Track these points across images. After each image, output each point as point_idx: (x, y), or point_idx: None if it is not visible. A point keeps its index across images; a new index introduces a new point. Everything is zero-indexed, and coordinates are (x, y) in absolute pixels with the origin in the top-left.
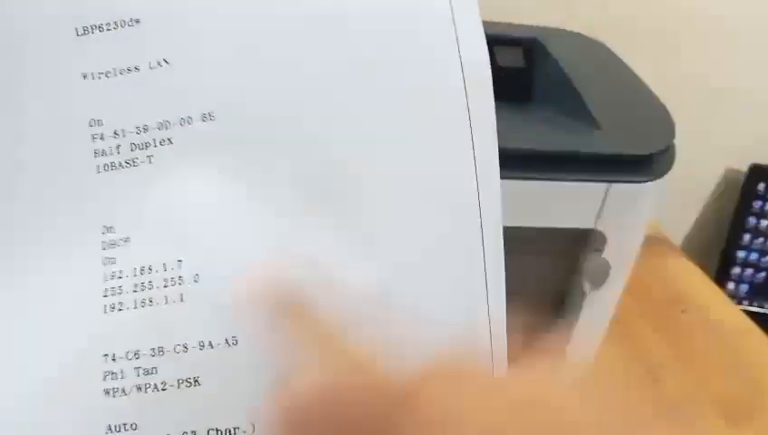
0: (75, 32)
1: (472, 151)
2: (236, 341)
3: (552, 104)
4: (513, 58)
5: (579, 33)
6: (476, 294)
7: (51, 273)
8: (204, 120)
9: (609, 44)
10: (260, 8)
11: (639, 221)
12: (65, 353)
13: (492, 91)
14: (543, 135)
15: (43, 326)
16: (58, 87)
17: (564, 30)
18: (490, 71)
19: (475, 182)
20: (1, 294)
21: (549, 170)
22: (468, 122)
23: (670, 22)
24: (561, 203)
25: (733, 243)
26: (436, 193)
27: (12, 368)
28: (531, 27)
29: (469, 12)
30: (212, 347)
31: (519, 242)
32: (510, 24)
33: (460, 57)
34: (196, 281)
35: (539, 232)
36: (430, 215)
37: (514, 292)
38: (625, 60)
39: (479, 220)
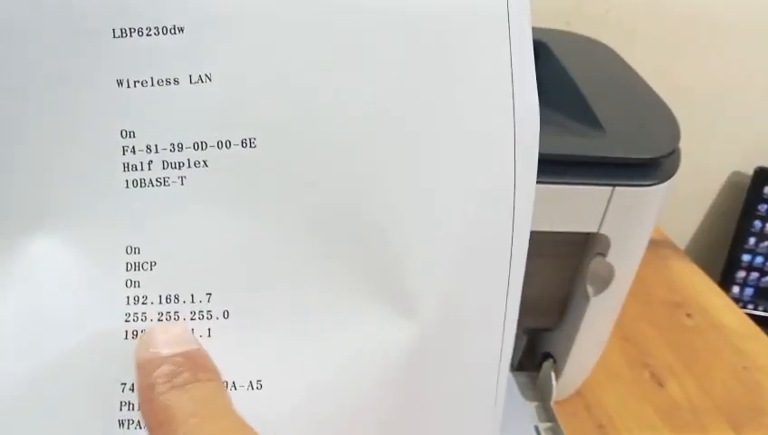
0: (112, 33)
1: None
2: (261, 385)
3: (556, 107)
4: None
5: (583, 36)
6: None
7: (69, 290)
8: (243, 146)
9: (613, 47)
10: (316, 30)
11: (644, 225)
12: (82, 377)
13: (537, 155)
14: (547, 138)
15: (58, 348)
16: (90, 90)
17: (569, 32)
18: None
19: (510, 244)
20: (16, 309)
21: (553, 174)
22: (513, 184)
23: (675, 24)
24: (565, 206)
25: (738, 246)
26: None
27: (23, 393)
28: (535, 29)
29: (526, 60)
30: (235, 389)
31: None
32: None
33: (514, 108)
34: (225, 317)
35: (543, 235)
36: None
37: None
38: (630, 63)
39: (507, 277)
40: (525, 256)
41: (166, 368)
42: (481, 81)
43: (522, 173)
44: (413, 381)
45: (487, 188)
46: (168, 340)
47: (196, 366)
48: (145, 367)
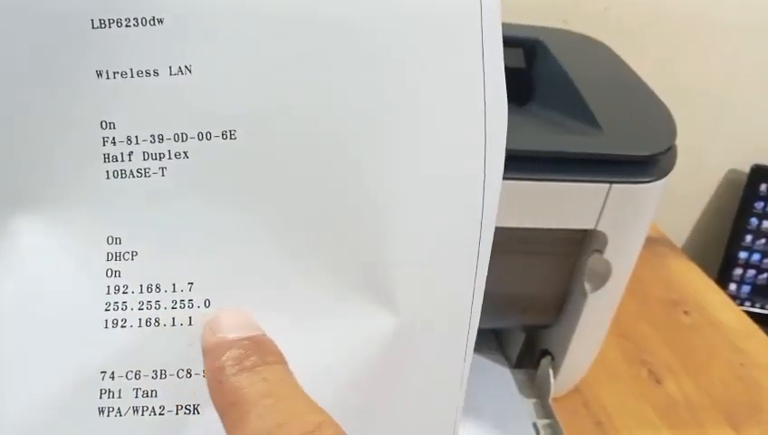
0: (91, 23)
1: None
2: None
3: (553, 105)
4: (514, 59)
5: (580, 34)
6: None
7: (50, 279)
8: (224, 138)
9: (611, 46)
10: (296, 23)
11: (641, 222)
12: (61, 365)
13: (503, 157)
14: (544, 136)
15: (37, 336)
16: (69, 81)
17: (566, 30)
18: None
19: (479, 231)
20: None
21: (550, 171)
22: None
23: (674, 23)
24: (562, 204)
25: (734, 244)
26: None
27: (2, 380)
28: (532, 27)
29: (497, 59)
30: None
31: (520, 242)
32: (511, 25)
33: (485, 107)
34: (207, 306)
35: (540, 233)
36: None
37: (515, 292)
38: (626, 60)
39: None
40: (490, 251)
41: (234, 352)
42: (455, 78)
43: (490, 169)
44: (392, 370)
45: (460, 184)
46: (233, 325)
47: (263, 350)
48: (214, 351)
